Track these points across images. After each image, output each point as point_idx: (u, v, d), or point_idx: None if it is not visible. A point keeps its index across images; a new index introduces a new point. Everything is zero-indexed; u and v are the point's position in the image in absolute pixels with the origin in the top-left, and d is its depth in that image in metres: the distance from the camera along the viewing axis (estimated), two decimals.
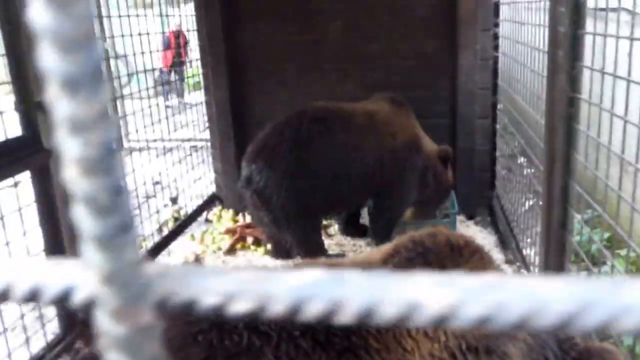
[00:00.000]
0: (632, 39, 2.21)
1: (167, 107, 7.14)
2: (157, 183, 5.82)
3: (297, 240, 4.40)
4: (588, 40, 2.60)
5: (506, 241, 4.82)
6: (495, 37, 5.15)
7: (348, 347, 1.61)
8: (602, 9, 2.56)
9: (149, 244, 4.96)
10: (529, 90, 3.95)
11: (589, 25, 2.59)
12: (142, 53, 5.01)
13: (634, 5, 2.13)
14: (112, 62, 6.44)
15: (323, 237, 4.77)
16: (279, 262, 4.75)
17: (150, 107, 5.07)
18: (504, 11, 5.11)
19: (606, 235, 4.01)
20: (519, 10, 4.29)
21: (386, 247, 2.07)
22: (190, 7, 6.00)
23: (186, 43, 9.73)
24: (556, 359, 1.91)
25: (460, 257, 1.96)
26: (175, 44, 9.72)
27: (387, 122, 4.54)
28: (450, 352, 1.71)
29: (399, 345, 1.67)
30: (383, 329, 1.66)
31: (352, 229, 5.22)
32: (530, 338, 1.86)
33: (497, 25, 5.13)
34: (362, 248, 4.99)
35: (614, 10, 3.30)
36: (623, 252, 3.81)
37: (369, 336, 1.65)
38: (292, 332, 1.59)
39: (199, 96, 6.12)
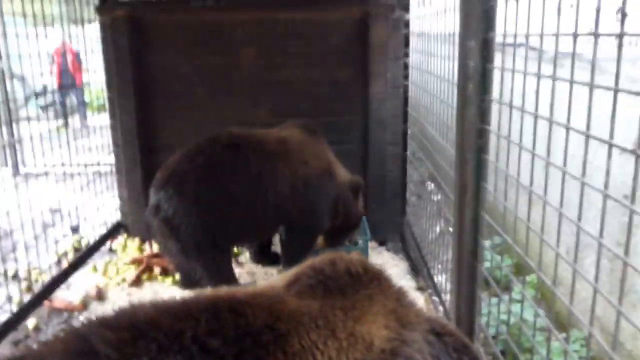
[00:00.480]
0: (539, 75, 2.26)
1: (60, 128, 6.71)
2: (56, 211, 5.49)
3: (207, 271, 4.24)
4: (496, 73, 2.67)
5: (418, 268, 4.87)
6: (405, 66, 5.26)
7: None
8: (510, 45, 2.63)
9: (46, 277, 4.66)
10: (438, 119, 4.03)
11: (497, 59, 2.66)
12: (42, 74, 4.74)
13: (541, 42, 2.19)
14: (7, 82, 6.03)
15: (234, 266, 4.63)
16: (187, 293, 4.57)
17: (50, 130, 4.78)
18: (413, 42, 5.22)
19: (510, 262, 4.13)
20: (429, 41, 4.39)
21: (289, 274, 2.04)
22: (95, 26, 5.75)
23: (78, 62, 9.07)
24: None
25: (359, 284, 1.97)
26: (62, 62, 9.20)
27: (300, 150, 4.49)
28: None
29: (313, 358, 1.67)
30: (290, 354, 1.66)
31: (264, 257, 5.12)
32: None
33: (407, 55, 5.24)
34: (273, 276, 4.89)
35: (520, 45, 3.43)
36: (529, 277, 3.94)
37: (277, 351, 1.64)
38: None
39: (103, 119, 5.82)
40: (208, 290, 1.90)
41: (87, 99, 6.26)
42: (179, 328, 1.58)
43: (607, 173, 1.87)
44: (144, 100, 5.43)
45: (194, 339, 1.56)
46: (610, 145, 1.81)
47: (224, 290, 1.88)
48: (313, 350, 1.70)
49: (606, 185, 1.86)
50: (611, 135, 1.80)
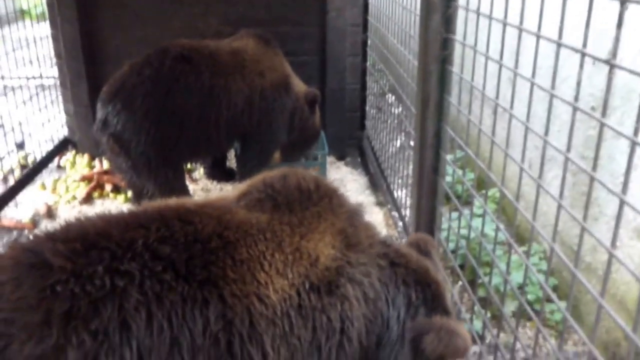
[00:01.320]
0: None
1: None
2: None
3: (159, 187, 4.09)
4: None
5: (377, 183, 4.80)
6: None
7: (208, 277, 1.64)
8: None
9: None
10: (400, 28, 3.85)
11: None
12: None
13: None
14: None
15: (187, 182, 4.49)
16: None
17: None
18: None
19: (472, 175, 4.10)
20: None
21: (241, 187, 2.06)
22: None
23: None
24: (409, 303, 2.02)
25: (308, 200, 1.98)
26: None
27: (255, 61, 4.27)
28: (296, 289, 1.79)
29: (254, 278, 1.72)
30: (238, 261, 1.72)
31: (219, 172, 4.99)
32: (371, 287, 1.95)
33: None
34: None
35: None
36: (490, 192, 3.92)
37: (226, 267, 1.68)
38: (154, 267, 1.57)
39: (44, 29, 5.42)
40: (156, 202, 1.89)
41: (24, 6, 5.79)
42: (130, 237, 1.62)
43: (578, 84, 1.76)
44: (86, 9, 5.05)
45: (145, 246, 1.61)
46: (583, 55, 1.69)
47: (172, 201, 1.88)
48: (261, 259, 1.76)
49: (576, 98, 1.76)
50: (584, 44, 1.67)
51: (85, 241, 1.57)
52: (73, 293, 1.46)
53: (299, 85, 4.62)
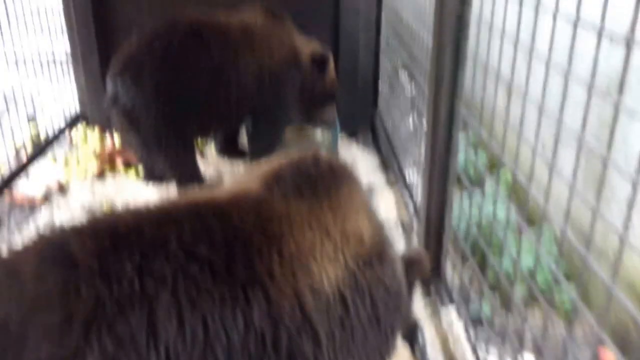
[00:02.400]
0: None
1: None
2: (10, 99, 5.19)
3: (170, 164, 4.10)
4: None
5: (388, 162, 4.75)
6: None
7: (252, 277, 1.55)
8: None
9: (4, 168, 4.46)
10: (414, 3, 3.77)
11: None
12: None
13: None
14: None
15: (198, 159, 4.48)
16: (152, 186, 4.46)
17: None
18: None
19: (485, 156, 4.04)
20: None
21: (262, 172, 1.97)
22: None
23: None
24: None
25: (341, 182, 1.98)
26: None
27: (263, 38, 4.22)
28: (350, 271, 1.77)
29: (306, 271, 1.66)
30: (287, 255, 1.64)
31: (230, 149, 4.96)
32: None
33: None
34: (240, 171, 4.76)
35: None
36: (502, 174, 3.86)
37: (272, 263, 1.60)
38: (189, 269, 1.47)
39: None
40: (184, 195, 1.84)
41: None
42: (162, 235, 1.52)
43: (595, 63, 1.71)
44: None
45: (180, 245, 1.50)
46: (600, 34, 1.64)
47: (201, 194, 1.83)
48: (311, 250, 1.71)
49: (592, 77, 1.71)
50: (602, 20, 1.62)
51: (114, 237, 1.48)
52: (98, 294, 1.37)
53: (308, 49, 4.53)
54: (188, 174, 4.17)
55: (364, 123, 5.54)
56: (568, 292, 1.81)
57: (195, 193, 1.84)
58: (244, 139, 4.97)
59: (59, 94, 5.42)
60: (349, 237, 1.83)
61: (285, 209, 1.77)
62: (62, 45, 5.60)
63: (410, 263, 2.21)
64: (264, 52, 4.19)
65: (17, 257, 1.47)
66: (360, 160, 4.94)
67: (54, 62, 5.50)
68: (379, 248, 1.91)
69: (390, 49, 4.91)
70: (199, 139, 4.71)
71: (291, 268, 1.63)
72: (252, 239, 1.62)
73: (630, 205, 1.50)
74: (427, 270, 2.34)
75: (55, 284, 1.37)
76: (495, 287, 2.73)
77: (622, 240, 1.53)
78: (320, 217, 1.81)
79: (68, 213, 4.14)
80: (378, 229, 1.99)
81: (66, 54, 5.54)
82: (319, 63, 4.55)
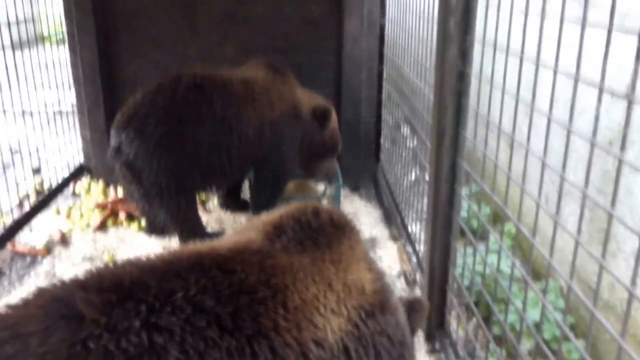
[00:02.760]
0: (526, 11, 2.09)
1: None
2: (16, 152, 5.25)
3: (171, 217, 4.09)
4: (480, 11, 2.49)
5: (391, 216, 4.75)
6: (383, 2, 5.01)
7: (258, 330, 1.54)
8: None
9: (8, 220, 4.47)
10: (416, 60, 3.84)
11: None
12: None
13: None
14: None
15: (201, 213, 4.48)
16: (153, 239, 4.45)
17: (6, 66, 4.46)
18: None
19: (487, 211, 4.04)
20: None
21: (266, 225, 1.96)
22: None
23: None
24: None
25: (342, 235, 1.98)
26: None
27: (265, 92, 4.28)
28: (353, 323, 1.78)
29: (311, 323, 1.66)
30: (292, 309, 1.64)
31: (233, 203, 4.98)
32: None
33: None
34: (242, 224, 4.76)
35: None
36: (506, 227, 3.85)
37: (277, 316, 1.60)
38: (196, 322, 1.46)
39: (62, 54, 5.49)
40: (186, 248, 1.81)
41: (45, 31, 5.84)
42: (168, 288, 1.50)
43: (597, 119, 1.72)
44: (105, 35, 5.14)
45: (186, 299, 1.49)
46: (601, 90, 1.65)
47: (203, 246, 1.81)
48: (315, 303, 1.71)
49: (594, 132, 1.72)
50: (602, 78, 1.64)
51: (120, 291, 1.46)
52: (106, 349, 1.34)
53: (309, 103, 4.60)
54: (190, 227, 4.16)
55: (367, 177, 5.57)
56: (576, 347, 1.77)
57: (197, 245, 1.82)
58: (246, 192, 4.99)
59: (64, 146, 5.47)
60: (351, 288, 1.83)
61: (288, 261, 1.78)
62: (68, 98, 5.70)
63: (411, 310, 2.21)
64: (265, 106, 4.25)
65: (19, 313, 1.42)
66: (363, 214, 4.94)
67: (60, 114, 5.59)
68: (381, 298, 1.92)
69: (392, 103, 4.97)
70: (201, 192, 4.72)
71: (296, 320, 1.63)
72: (256, 292, 1.61)
73: (638, 259, 1.49)
74: (426, 316, 2.36)
75: (62, 341, 1.33)
76: (500, 340, 2.69)
77: (631, 294, 1.51)
78: (322, 270, 1.81)
79: (70, 264, 4.13)
80: (379, 279, 1.99)
81: (72, 107, 5.64)
82: (320, 116, 4.61)
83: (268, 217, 2.03)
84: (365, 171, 5.54)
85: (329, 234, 1.93)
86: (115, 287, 1.47)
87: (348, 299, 1.80)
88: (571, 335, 1.88)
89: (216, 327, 1.48)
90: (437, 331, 3.13)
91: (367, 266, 1.98)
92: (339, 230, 1.97)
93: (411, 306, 2.23)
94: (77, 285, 1.49)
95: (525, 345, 3.07)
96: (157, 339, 1.39)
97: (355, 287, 1.85)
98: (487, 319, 3.03)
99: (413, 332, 2.22)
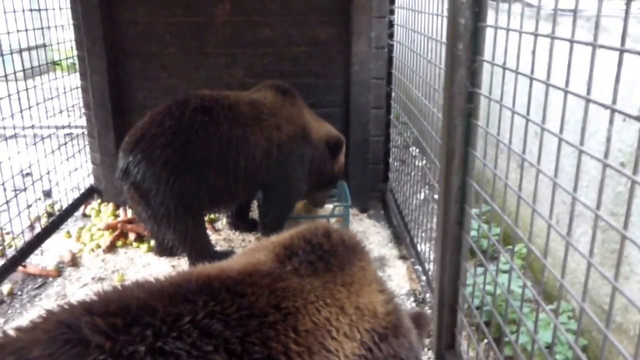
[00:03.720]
0: (535, 34, 2.10)
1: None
2: (27, 175, 5.28)
3: (179, 238, 4.10)
4: (489, 33, 2.50)
5: (400, 236, 4.75)
6: (391, 24, 5.05)
7: (268, 354, 1.51)
8: (504, 0, 2.46)
9: (20, 243, 4.50)
10: (424, 81, 3.86)
11: (490, 17, 2.49)
12: (8, 33, 4.45)
13: None
14: None
15: (210, 232, 4.49)
16: (163, 260, 4.46)
17: (18, 91, 4.53)
18: None
19: (498, 230, 4.03)
20: None
21: (272, 246, 1.96)
22: None
23: None
24: None
25: (354, 256, 1.97)
26: None
27: (272, 113, 4.32)
28: (366, 347, 1.77)
29: (322, 347, 1.64)
30: (303, 332, 1.62)
31: (241, 223, 5.00)
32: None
33: (392, 12, 5.03)
34: (251, 243, 4.77)
35: (516, 1, 3.27)
36: (517, 247, 3.84)
37: (288, 340, 1.57)
38: (203, 347, 1.43)
39: (73, 80, 5.58)
40: (195, 269, 1.79)
41: (56, 57, 5.95)
42: (175, 312, 1.48)
43: (608, 140, 1.71)
44: (115, 61, 5.21)
45: (193, 323, 1.47)
46: (613, 111, 1.65)
47: (212, 268, 1.78)
48: (327, 327, 1.70)
49: (606, 154, 1.71)
50: (614, 100, 1.63)
51: (126, 316, 1.44)
52: None
53: (320, 132, 4.63)
54: (199, 248, 4.17)
55: (375, 196, 5.58)
56: None
57: (206, 267, 1.80)
58: (255, 212, 5.01)
59: (75, 169, 5.52)
60: (364, 311, 1.82)
61: (299, 284, 1.76)
62: (79, 122, 5.77)
63: (416, 325, 2.20)
64: (272, 127, 4.28)
65: (27, 337, 1.41)
66: (372, 234, 4.94)
67: (71, 138, 5.64)
68: (394, 321, 1.91)
69: (401, 124, 4.99)
70: (209, 213, 4.74)
71: (307, 344, 1.61)
72: (267, 315, 1.59)
73: None
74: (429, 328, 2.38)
75: None
76: None
77: None
78: (334, 293, 1.80)
79: (80, 285, 4.14)
80: (391, 300, 1.98)
81: (83, 131, 5.70)
82: (333, 146, 4.66)
83: (278, 238, 2.02)
84: (374, 191, 5.55)
85: (340, 256, 1.92)
86: (121, 311, 1.46)
87: (361, 322, 1.79)
88: (584, 357, 1.86)
89: (224, 352, 1.45)
90: (447, 352, 3.10)
91: (378, 287, 1.97)
92: (350, 251, 1.97)
93: (416, 321, 2.22)
94: (84, 308, 1.48)
95: None
96: None
97: (368, 310, 1.84)
98: (498, 339, 3.01)
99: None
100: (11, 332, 1.45)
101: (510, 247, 3.61)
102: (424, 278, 3.90)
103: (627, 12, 1.57)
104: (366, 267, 1.99)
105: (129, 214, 5.09)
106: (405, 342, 1.92)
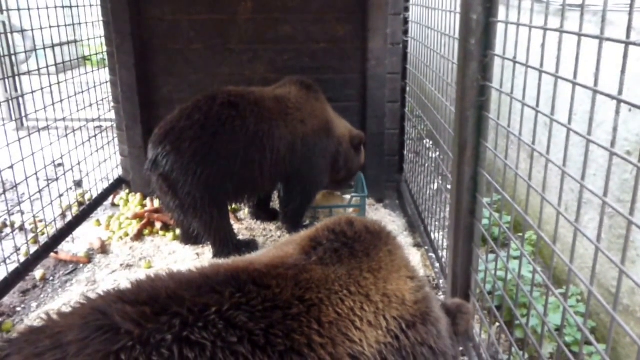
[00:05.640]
0: (545, 29, 2.21)
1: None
2: (59, 165, 5.48)
3: (204, 227, 4.26)
4: (500, 28, 2.61)
5: (414, 225, 4.88)
6: (405, 21, 5.17)
7: (291, 346, 1.53)
8: None
9: (52, 230, 4.68)
10: (438, 75, 3.97)
11: (501, 13, 2.59)
12: (42, 28, 4.63)
13: None
14: (9, 36, 5.92)
15: (232, 222, 4.65)
16: (188, 248, 4.62)
17: (50, 85, 4.70)
18: None
19: (508, 218, 4.14)
20: None
21: (300, 239, 2.00)
22: None
23: None
24: None
25: (379, 241, 1.96)
26: None
27: (297, 108, 4.47)
28: (393, 334, 1.74)
29: (346, 338, 1.64)
30: (326, 324, 1.63)
31: (263, 213, 5.15)
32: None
33: (407, 9, 5.15)
34: (272, 232, 4.92)
35: None
36: (527, 234, 3.95)
37: (311, 332, 1.58)
38: (228, 338, 1.47)
39: (104, 74, 5.76)
40: (225, 262, 1.83)
41: (87, 53, 6.15)
42: (202, 302, 1.52)
43: (615, 130, 1.76)
44: (143, 56, 5.38)
45: (219, 314, 1.50)
46: (619, 102, 1.72)
47: (242, 260, 1.82)
48: (351, 316, 1.69)
49: (613, 143, 1.79)
50: (620, 92, 1.72)
51: (155, 305, 1.48)
52: None
53: (341, 128, 4.80)
54: (222, 236, 4.32)
55: (391, 187, 5.70)
56: (597, 350, 1.83)
57: (236, 260, 1.85)
58: (276, 202, 5.16)
59: (104, 160, 5.71)
60: (391, 299, 1.80)
61: (324, 274, 1.77)
62: (108, 116, 5.96)
63: (457, 314, 2.18)
64: (297, 121, 4.42)
65: (64, 322, 1.48)
66: (388, 223, 5.07)
67: (101, 131, 5.83)
68: (423, 308, 1.88)
69: (415, 117, 5.11)
70: (234, 203, 4.90)
71: (330, 335, 1.61)
72: (290, 307, 1.61)
73: None
74: (470, 321, 2.28)
75: (96, 352, 1.36)
76: (523, 344, 2.77)
77: None
78: (359, 280, 1.79)
79: (109, 271, 4.32)
80: (421, 288, 1.94)
81: (111, 124, 5.89)
82: (357, 143, 4.87)
83: (306, 231, 2.05)
84: (389, 181, 5.68)
85: (365, 241, 1.92)
86: (151, 300, 1.50)
87: (387, 309, 1.77)
88: (592, 338, 1.91)
89: (248, 343, 1.48)
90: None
91: (408, 274, 1.94)
92: (375, 236, 1.96)
93: (458, 310, 2.19)
94: (116, 296, 1.54)
95: (547, 348, 3.15)
96: (187, 353, 1.40)
97: (396, 297, 1.82)
98: (510, 323, 3.12)
99: (460, 336, 2.17)
100: (54, 317, 1.54)
101: (520, 234, 3.73)
102: (437, 265, 4.03)
103: (632, 6, 1.63)
104: (394, 252, 1.96)
105: (156, 203, 5.26)
106: (433, 330, 1.87)
